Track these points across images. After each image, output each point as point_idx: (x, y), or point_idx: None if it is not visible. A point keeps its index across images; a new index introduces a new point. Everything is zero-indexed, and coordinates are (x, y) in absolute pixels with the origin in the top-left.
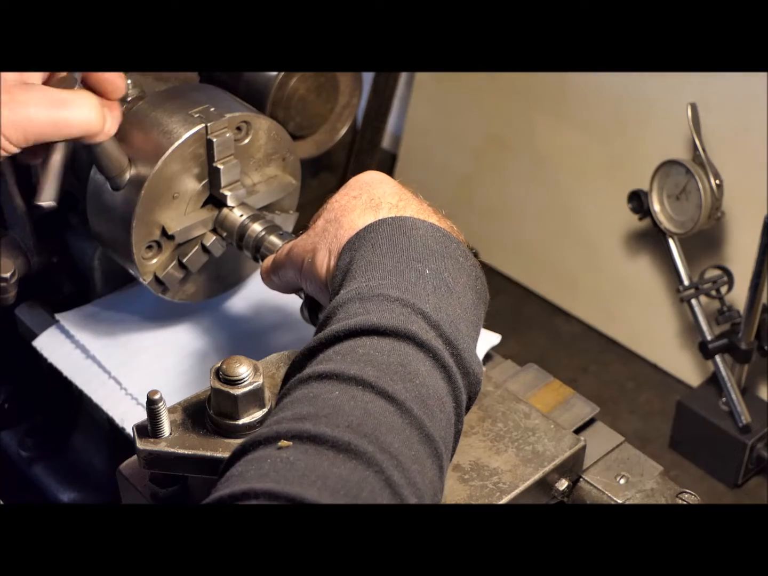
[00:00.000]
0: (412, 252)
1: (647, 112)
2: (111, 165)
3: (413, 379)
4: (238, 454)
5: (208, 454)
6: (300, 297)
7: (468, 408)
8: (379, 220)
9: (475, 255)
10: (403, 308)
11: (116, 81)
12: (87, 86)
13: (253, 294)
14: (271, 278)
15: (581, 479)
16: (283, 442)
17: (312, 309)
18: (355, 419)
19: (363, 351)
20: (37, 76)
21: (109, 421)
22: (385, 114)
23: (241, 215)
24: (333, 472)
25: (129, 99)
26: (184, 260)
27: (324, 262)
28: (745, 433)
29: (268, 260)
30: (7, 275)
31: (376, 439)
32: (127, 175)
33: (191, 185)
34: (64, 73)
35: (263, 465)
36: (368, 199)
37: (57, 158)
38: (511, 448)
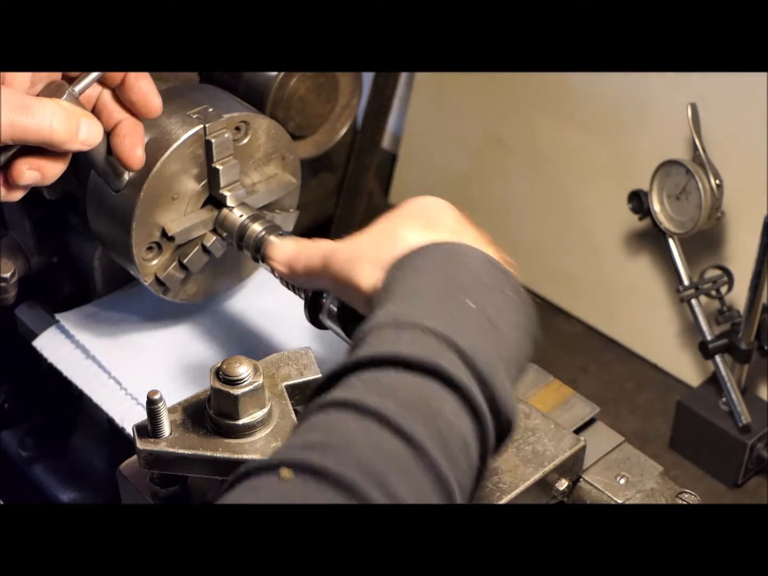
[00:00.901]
0: (459, 281)
1: (647, 112)
2: (108, 167)
3: (436, 419)
4: (241, 478)
5: (208, 454)
6: (300, 297)
7: (497, 451)
8: (432, 243)
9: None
10: (437, 341)
11: (150, 102)
12: (121, 103)
13: (253, 294)
14: (293, 275)
15: (581, 479)
16: (284, 471)
17: (313, 309)
18: (364, 457)
19: (387, 382)
20: (25, 78)
21: (109, 421)
22: (385, 114)
23: (241, 215)
24: None
25: None
26: (185, 261)
27: (369, 274)
28: (745, 433)
29: (291, 256)
30: (7, 275)
31: (383, 482)
32: (126, 177)
33: (191, 186)
34: (56, 80)
35: (260, 495)
36: (425, 220)
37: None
38: (511, 448)
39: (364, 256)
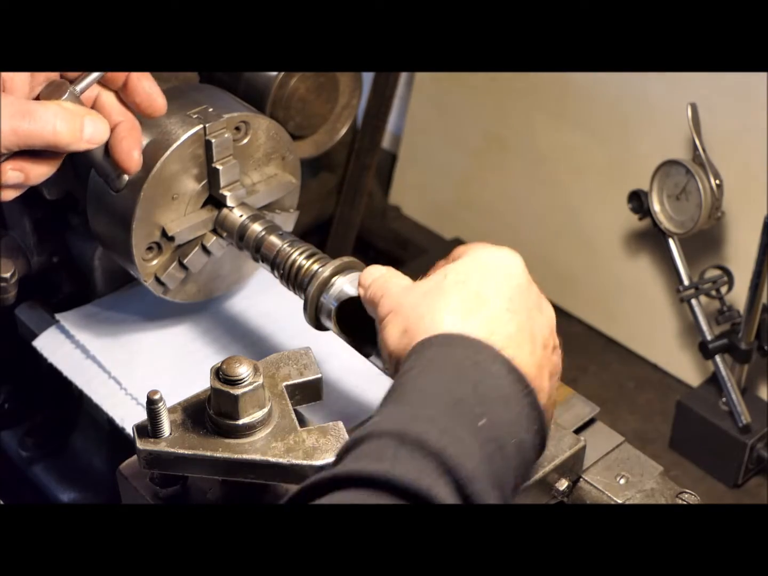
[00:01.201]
0: (476, 392)
1: (647, 112)
2: (108, 167)
3: None
4: None
5: (208, 454)
6: (300, 297)
7: None
8: (462, 337)
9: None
10: (436, 467)
11: (155, 102)
12: (121, 103)
13: (253, 294)
14: (364, 299)
15: (581, 479)
16: None
17: (313, 309)
18: None
19: None
20: (24, 83)
21: (109, 421)
22: (385, 114)
23: (241, 215)
24: None
25: None
26: (185, 261)
27: (395, 337)
28: (745, 433)
29: (372, 284)
30: (7, 275)
31: None
32: (126, 177)
33: (191, 186)
34: (56, 80)
35: None
36: (473, 299)
37: None
38: None
39: (399, 315)
